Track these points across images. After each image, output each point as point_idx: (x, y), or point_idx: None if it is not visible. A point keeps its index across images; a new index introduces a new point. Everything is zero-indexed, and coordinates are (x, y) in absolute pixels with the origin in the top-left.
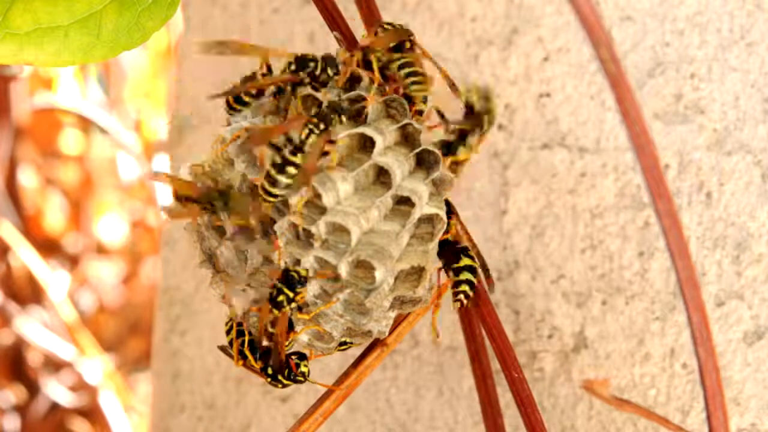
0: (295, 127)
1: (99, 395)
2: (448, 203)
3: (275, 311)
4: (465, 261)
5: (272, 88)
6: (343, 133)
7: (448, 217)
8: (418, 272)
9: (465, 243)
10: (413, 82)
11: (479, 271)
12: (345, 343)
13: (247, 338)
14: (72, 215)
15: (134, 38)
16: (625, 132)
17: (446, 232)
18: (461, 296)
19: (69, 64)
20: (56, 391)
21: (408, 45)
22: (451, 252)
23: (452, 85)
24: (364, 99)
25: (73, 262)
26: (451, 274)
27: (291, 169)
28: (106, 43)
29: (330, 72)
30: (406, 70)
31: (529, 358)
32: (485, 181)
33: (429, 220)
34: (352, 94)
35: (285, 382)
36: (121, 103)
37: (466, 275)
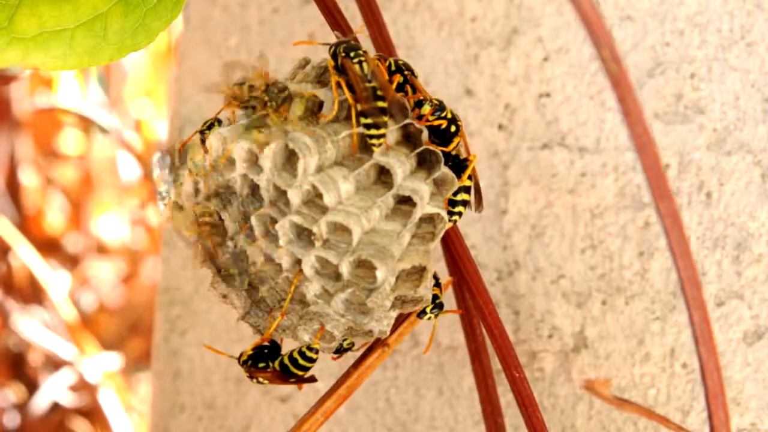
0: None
1: (99, 395)
2: (454, 118)
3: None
4: (463, 181)
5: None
6: (344, 133)
7: (455, 132)
8: (420, 272)
9: (465, 155)
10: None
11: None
12: (341, 350)
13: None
14: (72, 215)
15: (140, 39)
16: (626, 132)
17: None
18: (456, 217)
19: (76, 67)
20: (56, 390)
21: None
22: (453, 167)
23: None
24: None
25: (73, 261)
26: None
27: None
28: (112, 44)
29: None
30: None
31: (529, 358)
32: (485, 181)
33: (430, 219)
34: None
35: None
36: (122, 102)
37: (462, 196)
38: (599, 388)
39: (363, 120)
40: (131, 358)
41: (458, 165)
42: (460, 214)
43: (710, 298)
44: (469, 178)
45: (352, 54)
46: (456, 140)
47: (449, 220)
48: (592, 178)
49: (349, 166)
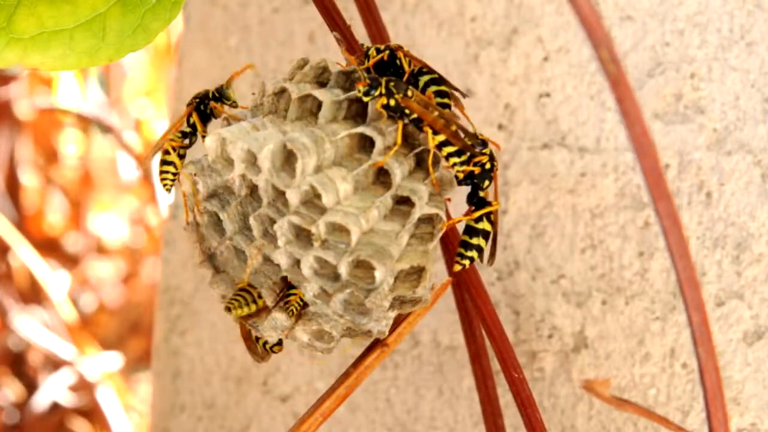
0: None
1: (99, 395)
2: (492, 157)
3: None
4: (484, 225)
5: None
6: (343, 133)
7: (489, 176)
8: (418, 272)
9: (493, 202)
10: (441, 103)
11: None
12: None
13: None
14: (72, 215)
15: (139, 39)
16: (626, 132)
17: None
18: (466, 261)
19: (75, 68)
20: (56, 390)
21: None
22: (478, 204)
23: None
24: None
25: (73, 261)
26: (466, 230)
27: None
28: (111, 45)
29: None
30: (434, 87)
31: (529, 358)
32: None
33: (429, 220)
34: (352, 94)
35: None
36: (121, 102)
37: (478, 240)
38: (599, 388)
39: (447, 149)
40: (131, 358)
41: (480, 204)
42: (471, 259)
43: (710, 298)
44: (491, 223)
45: (409, 93)
46: (486, 184)
47: (459, 263)
48: (592, 178)
49: (347, 166)
